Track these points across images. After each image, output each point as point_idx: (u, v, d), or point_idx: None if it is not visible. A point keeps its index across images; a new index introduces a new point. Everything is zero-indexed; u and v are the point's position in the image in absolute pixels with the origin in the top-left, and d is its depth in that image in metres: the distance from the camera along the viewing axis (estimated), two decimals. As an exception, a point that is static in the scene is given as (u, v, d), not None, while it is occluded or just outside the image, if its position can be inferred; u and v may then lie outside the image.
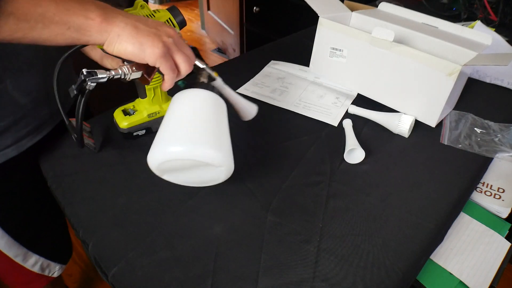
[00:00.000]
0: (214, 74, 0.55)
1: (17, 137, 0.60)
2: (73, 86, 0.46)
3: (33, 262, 0.74)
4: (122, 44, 0.44)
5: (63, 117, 0.57)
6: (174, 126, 0.49)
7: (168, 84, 0.49)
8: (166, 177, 0.52)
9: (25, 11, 0.38)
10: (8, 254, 0.69)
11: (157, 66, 0.47)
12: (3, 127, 0.57)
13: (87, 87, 0.46)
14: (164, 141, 0.47)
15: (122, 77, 0.48)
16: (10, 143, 0.59)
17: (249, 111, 0.62)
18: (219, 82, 0.56)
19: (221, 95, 0.55)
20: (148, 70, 0.50)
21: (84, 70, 0.45)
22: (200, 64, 0.54)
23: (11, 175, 0.63)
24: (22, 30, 0.39)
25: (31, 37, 0.41)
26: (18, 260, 0.71)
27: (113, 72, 0.47)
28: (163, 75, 0.48)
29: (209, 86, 0.54)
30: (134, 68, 0.49)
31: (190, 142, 0.46)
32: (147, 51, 0.45)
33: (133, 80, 0.52)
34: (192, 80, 0.54)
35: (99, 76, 0.46)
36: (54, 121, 0.67)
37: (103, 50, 0.46)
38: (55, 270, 0.80)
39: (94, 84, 0.46)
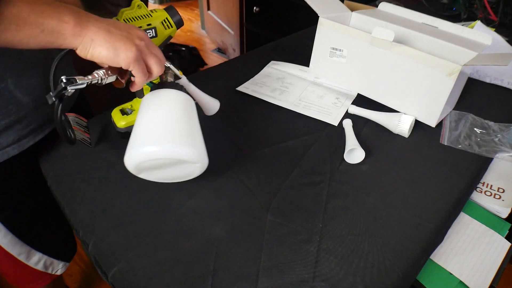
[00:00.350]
0: (179, 72, 0.56)
1: (18, 136, 0.60)
2: (50, 93, 0.46)
3: (36, 260, 0.74)
4: (96, 48, 0.44)
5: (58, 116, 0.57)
6: (149, 127, 0.50)
7: (138, 86, 0.50)
8: (143, 175, 0.53)
9: None
10: (11, 253, 0.69)
11: (130, 69, 0.47)
12: (5, 126, 0.57)
13: (66, 94, 0.46)
14: (140, 141, 0.48)
15: (99, 82, 0.49)
16: (11, 142, 0.59)
17: (213, 106, 0.64)
18: (184, 80, 0.57)
19: (186, 92, 0.56)
20: (122, 73, 0.51)
21: (64, 78, 0.45)
22: (167, 64, 0.54)
23: (13, 174, 0.63)
24: None
25: (4, 38, 0.40)
26: (22, 258, 0.71)
27: (90, 77, 0.48)
28: (133, 77, 0.49)
29: (175, 84, 0.55)
30: (109, 72, 0.49)
31: (166, 141, 0.48)
32: (121, 55, 0.45)
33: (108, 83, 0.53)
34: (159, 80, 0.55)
35: (79, 82, 0.46)
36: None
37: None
38: (58, 268, 0.81)
39: (73, 90, 0.46)
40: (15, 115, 0.58)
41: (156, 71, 0.50)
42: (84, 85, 0.47)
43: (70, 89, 0.46)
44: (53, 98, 0.46)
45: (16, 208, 0.67)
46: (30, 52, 0.57)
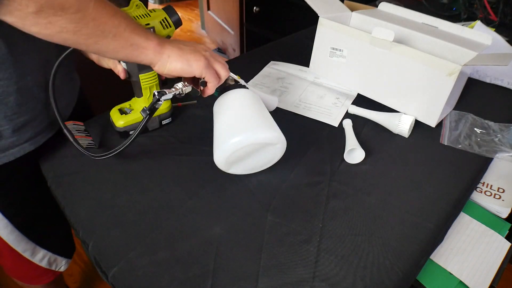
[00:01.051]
0: (237, 77, 0.63)
1: (35, 132, 0.62)
2: (145, 107, 0.55)
3: (41, 257, 0.76)
4: (173, 63, 0.52)
5: (59, 121, 0.60)
6: (229, 123, 0.58)
7: (211, 90, 0.57)
8: (232, 170, 0.60)
9: (105, 19, 0.44)
10: (17, 249, 0.70)
11: (202, 76, 0.54)
12: (23, 122, 0.59)
13: (156, 106, 0.55)
14: (227, 136, 0.55)
15: (180, 92, 0.56)
16: (28, 138, 0.61)
17: (273, 102, 0.72)
18: (242, 82, 0.64)
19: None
20: (195, 82, 0.57)
21: (155, 92, 0.54)
22: None
23: (20, 172, 0.64)
24: (96, 36, 0.44)
25: (101, 45, 0.46)
26: (27, 255, 0.73)
27: (174, 90, 0.55)
28: (205, 83, 0.56)
29: (238, 85, 0.63)
30: (186, 83, 0.56)
31: (249, 129, 0.55)
32: (193, 65, 0.53)
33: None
34: (222, 86, 0.61)
35: (168, 94, 0.54)
36: (65, 117, 0.69)
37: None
38: (61, 264, 0.82)
39: (162, 103, 0.55)
40: (33, 112, 0.60)
41: (224, 74, 0.57)
42: (171, 97, 0.55)
43: (162, 99, 0.54)
44: (147, 111, 0.54)
45: (22, 206, 0.68)
46: (48, 49, 0.59)
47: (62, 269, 0.82)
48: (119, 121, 0.65)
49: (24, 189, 0.67)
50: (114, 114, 0.66)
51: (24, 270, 0.78)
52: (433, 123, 0.72)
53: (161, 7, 0.62)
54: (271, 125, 0.58)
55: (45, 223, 0.74)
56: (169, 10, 0.60)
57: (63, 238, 0.83)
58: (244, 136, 0.54)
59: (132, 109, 0.66)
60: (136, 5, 0.57)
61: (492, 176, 0.70)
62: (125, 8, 0.56)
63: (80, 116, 0.72)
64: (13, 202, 0.66)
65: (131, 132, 0.67)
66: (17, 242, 0.69)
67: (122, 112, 0.66)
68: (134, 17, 0.56)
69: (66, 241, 0.84)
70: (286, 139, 0.70)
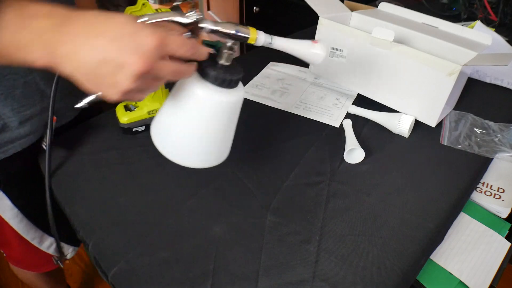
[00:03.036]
0: (250, 30, 0.44)
1: (41, 125, 0.63)
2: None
3: (48, 244, 0.78)
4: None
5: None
6: (188, 130, 0.47)
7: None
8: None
9: None
10: (26, 237, 0.72)
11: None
12: (30, 115, 0.61)
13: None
14: (163, 134, 0.47)
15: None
16: (34, 130, 0.63)
17: (314, 55, 0.54)
18: (276, 41, 0.47)
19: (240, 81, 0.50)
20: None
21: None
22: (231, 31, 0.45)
23: (32, 161, 0.65)
24: None
25: None
26: (35, 242, 0.75)
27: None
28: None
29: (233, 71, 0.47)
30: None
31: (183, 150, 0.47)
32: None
33: None
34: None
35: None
36: (73, 113, 0.71)
37: None
38: (68, 252, 0.84)
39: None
40: (39, 105, 0.61)
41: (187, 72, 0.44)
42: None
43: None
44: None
45: (31, 195, 0.70)
46: None
47: (68, 256, 0.84)
48: (123, 117, 0.66)
49: (33, 179, 0.68)
50: (119, 110, 0.67)
51: (32, 258, 0.80)
52: (433, 123, 0.72)
53: (161, 7, 0.62)
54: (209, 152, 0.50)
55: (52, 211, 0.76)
56: (176, 11, 0.60)
57: (70, 226, 0.84)
58: (176, 157, 0.46)
59: (137, 106, 0.67)
60: (143, 4, 0.57)
61: (492, 176, 0.70)
62: (132, 7, 0.57)
63: (90, 110, 0.72)
64: (23, 192, 0.68)
65: (134, 129, 0.67)
66: (26, 231, 0.71)
67: (127, 108, 0.67)
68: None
69: (73, 229, 0.85)
70: (286, 139, 0.70)
